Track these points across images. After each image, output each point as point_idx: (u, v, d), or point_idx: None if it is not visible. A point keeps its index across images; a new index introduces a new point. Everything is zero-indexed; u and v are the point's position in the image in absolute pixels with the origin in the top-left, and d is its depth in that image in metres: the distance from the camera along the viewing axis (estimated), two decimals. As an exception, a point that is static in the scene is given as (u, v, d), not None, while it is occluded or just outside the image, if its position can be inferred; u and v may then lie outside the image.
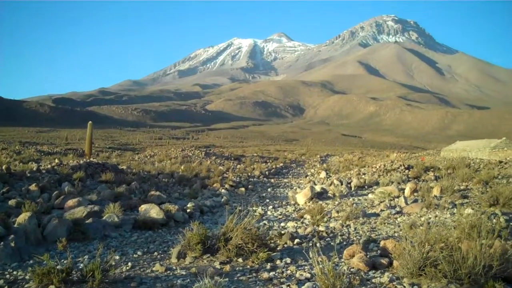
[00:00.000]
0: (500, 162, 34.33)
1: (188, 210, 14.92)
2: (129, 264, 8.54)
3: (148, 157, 47.45)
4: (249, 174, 29.61)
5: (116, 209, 13.20)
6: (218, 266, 8.20)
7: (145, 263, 8.78)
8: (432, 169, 26.50)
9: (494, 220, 12.21)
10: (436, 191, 17.34)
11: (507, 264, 7.02)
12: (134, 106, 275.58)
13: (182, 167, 30.35)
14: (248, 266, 8.21)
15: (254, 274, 7.72)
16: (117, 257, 9.10)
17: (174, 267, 8.30)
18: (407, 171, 26.00)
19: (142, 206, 13.72)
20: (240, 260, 8.53)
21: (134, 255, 9.43)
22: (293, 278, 7.44)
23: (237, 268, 8.11)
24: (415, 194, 17.54)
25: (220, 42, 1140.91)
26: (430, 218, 13.27)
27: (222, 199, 18.24)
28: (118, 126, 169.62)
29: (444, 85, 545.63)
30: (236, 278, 7.52)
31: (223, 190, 20.68)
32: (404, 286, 6.94)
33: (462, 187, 19.54)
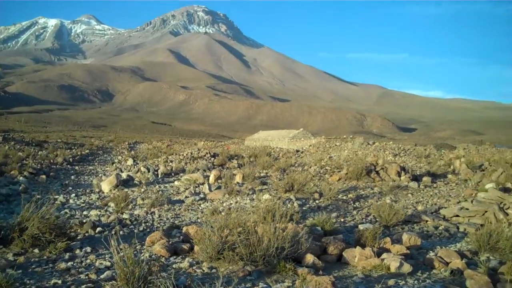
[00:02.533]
0: (297, 151, 36.92)
1: (-23, 200, 13.66)
2: None
3: None
4: (52, 161, 28.01)
5: None
6: (11, 258, 7.63)
7: None
8: (236, 157, 27.57)
9: (289, 205, 13.10)
10: (238, 178, 18.08)
11: (297, 246, 7.55)
12: None
13: (-27, 153, 27.71)
14: (45, 257, 7.77)
15: (50, 265, 7.33)
16: None
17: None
18: (212, 158, 26.72)
19: None
20: (36, 250, 8.03)
21: None
22: (92, 267, 7.22)
23: (32, 259, 7.62)
24: (219, 181, 18.09)
25: (23, 20, 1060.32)
26: (231, 204, 13.79)
27: (20, 187, 17.00)
28: None
29: (250, 77, 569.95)
30: (30, 270, 7.07)
31: (21, 178, 19.29)
32: (203, 270, 7.11)
33: (262, 174, 20.64)
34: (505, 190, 16.68)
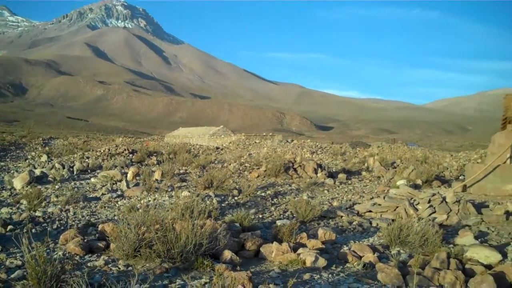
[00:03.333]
0: (217, 148, 36.93)
1: None
2: None
3: None
4: (-43, 157, 26.55)
5: None
6: None
7: None
8: (155, 154, 27.22)
9: (208, 202, 13.10)
10: (157, 175, 17.87)
11: (215, 242, 7.57)
12: None
13: None
14: None
15: (-44, 265, 6.96)
16: None
17: None
18: (131, 155, 26.23)
19: None
20: None
21: None
22: (2, 266, 6.92)
23: None
24: (137, 178, 17.83)
25: None
26: (149, 201, 13.64)
27: None
28: None
29: (170, 74, 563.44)
30: None
31: None
32: (119, 268, 6.99)
33: (182, 171, 20.51)
34: (415, 186, 17.49)
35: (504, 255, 8.56)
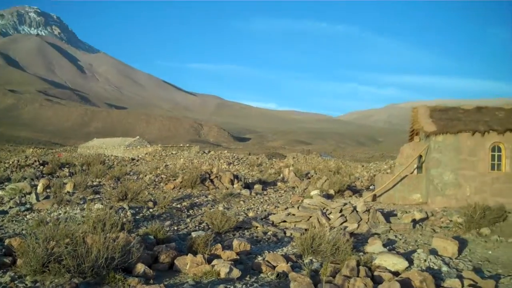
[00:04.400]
0: (133, 159, 36.28)
1: None
2: None
3: None
4: None
5: None
6: None
7: None
8: (67, 165, 26.36)
9: (122, 214, 12.83)
10: (69, 187, 17.30)
11: (128, 255, 7.42)
12: None
13: None
14: None
15: None
16: None
17: None
18: (42, 167, 25.27)
19: None
20: None
21: None
22: None
23: None
24: (48, 190, 17.16)
25: None
26: (60, 214, 13.16)
27: None
28: None
29: (86, 83, 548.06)
30: None
31: None
32: (26, 284, 6.71)
33: (95, 183, 19.96)
34: (328, 196, 17.95)
35: (411, 262, 8.95)
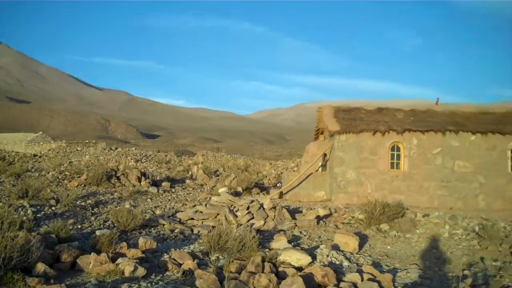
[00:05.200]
0: (35, 155, 34.80)
1: None
2: None
3: None
4: None
5: None
6: None
7: None
8: (-38, 162, 24.88)
9: (22, 212, 12.31)
10: (-36, 185, 16.37)
11: (28, 255, 7.12)
12: None
13: None
14: None
15: None
16: None
17: None
18: None
19: None
20: None
21: None
22: None
23: None
24: None
25: None
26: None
27: None
28: None
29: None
30: None
31: None
32: None
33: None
34: (236, 193, 18.11)
35: (314, 257, 9.23)
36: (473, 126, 17.79)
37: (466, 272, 9.09)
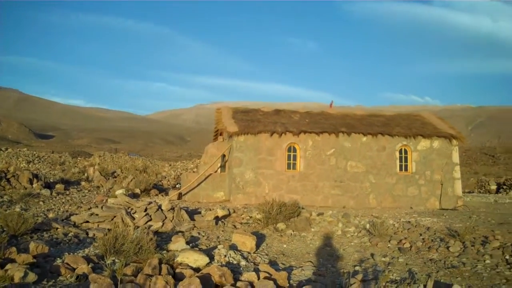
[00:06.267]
0: None
1: None
2: None
3: None
4: None
5: None
6: None
7: None
8: None
9: None
10: None
11: None
12: None
13: None
14: None
15: None
16: None
17: None
18: None
19: None
20: None
21: None
22: None
23: None
24: None
25: None
26: None
27: None
28: None
29: None
30: None
31: None
32: None
33: None
34: (134, 195, 17.84)
35: (212, 258, 9.28)
36: (364, 128, 18.70)
37: (357, 268, 9.54)
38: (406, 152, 18.86)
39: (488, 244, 10.43)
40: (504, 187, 33.78)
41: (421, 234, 12.30)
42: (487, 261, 9.30)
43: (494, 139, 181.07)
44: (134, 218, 12.77)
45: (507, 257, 9.41)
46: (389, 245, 11.56)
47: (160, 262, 7.92)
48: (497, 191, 33.58)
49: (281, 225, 13.14)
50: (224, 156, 19.17)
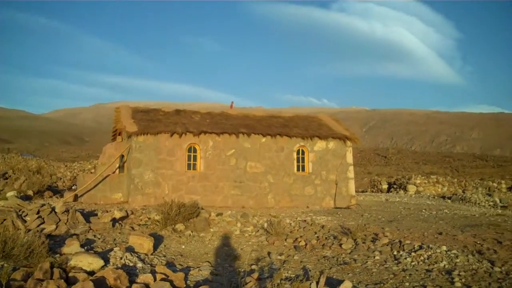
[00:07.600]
0: None
1: None
2: None
3: None
4: None
5: None
6: None
7: None
8: None
9: None
10: None
11: None
12: None
13: None
14: None
15: None
16: None
17: None
18: None
19: None
20: None
21: None
22: None
23: None
24: None
25: None
26: None
27: None
28: None
29: None
30: None
31: None
32: None
33: None
34: (27, 197, 17.09)
35: (107, 260, 9.09)
36: (264, 129, 19.06)
37: (253, 266, 9.71)
38: (303, 152, 19.41)
39: (378, 241, 10.98)
40: (395, 186, 35.67)
41: (316, 232, 12.73)
42: (377, 257, 9.78)
43: (387, 140, 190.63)
44: (25, 221, 12.23)
45: (395, 253, 9.93)
46: (285, 243, 11.87)
47: (52, 266, 7.66)
48: (388, 190, 35.45)
49: (180, 226, 13.10)
50: (122, 156, 18.80)
